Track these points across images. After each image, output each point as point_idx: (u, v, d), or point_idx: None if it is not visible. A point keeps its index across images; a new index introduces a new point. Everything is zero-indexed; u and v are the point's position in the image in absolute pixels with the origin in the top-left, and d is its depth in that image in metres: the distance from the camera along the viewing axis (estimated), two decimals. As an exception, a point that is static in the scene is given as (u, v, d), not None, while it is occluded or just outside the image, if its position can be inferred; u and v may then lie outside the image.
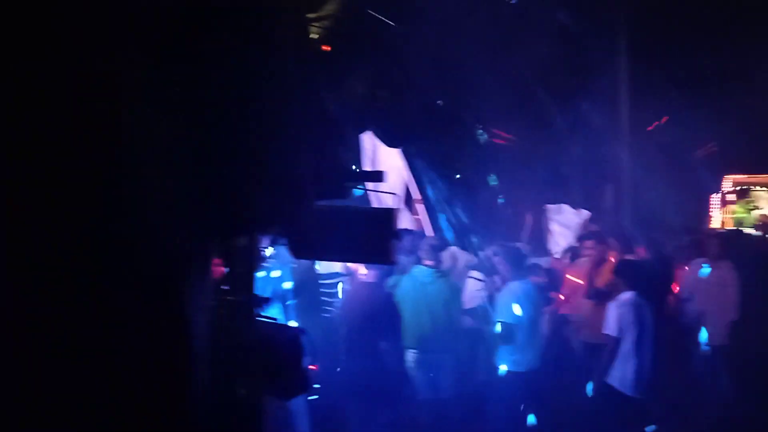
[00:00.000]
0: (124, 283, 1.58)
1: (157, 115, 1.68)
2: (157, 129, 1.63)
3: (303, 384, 2.30)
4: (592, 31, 15.39)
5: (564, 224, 9.15)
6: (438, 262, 5.29)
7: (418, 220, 6.70)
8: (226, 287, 2.26)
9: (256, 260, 2.26)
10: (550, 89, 13.37)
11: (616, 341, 4.85)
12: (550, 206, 8.99)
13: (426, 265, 5.20)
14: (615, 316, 4.88)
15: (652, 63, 17.32)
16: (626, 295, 4.95)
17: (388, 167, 6.42)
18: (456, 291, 5.21)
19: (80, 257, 1.51)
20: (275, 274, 4.20)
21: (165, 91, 1.64)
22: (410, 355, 5.12)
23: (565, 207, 9.46)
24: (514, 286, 5.08)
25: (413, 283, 5.17)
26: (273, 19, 2.03)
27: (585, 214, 9.80)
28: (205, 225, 1.82)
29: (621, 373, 4.85)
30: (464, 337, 5.42)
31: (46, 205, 1.49)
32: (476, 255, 5.73)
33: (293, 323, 4.01)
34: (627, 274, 5.09)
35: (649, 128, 18.75)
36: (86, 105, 1.53)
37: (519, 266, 5.20)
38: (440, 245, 5.54)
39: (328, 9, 2.69)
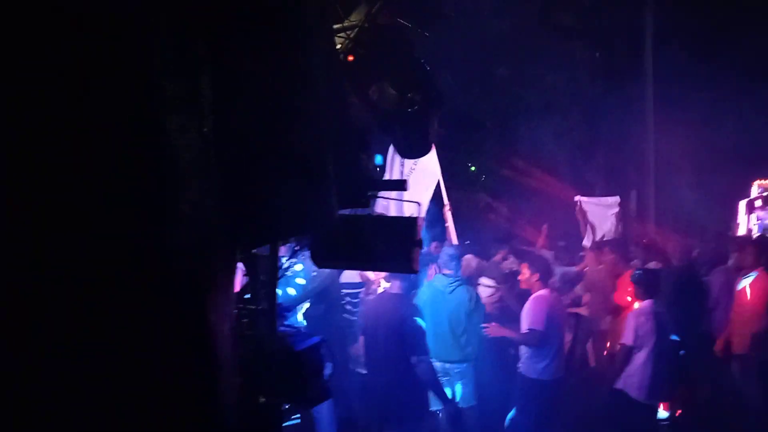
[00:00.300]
0: (150, 290, 1.59)
1: (189, 122, 1.69)
2: (188, 137, 1.64)
3: (324, 393, 2.30)
4: (618, 35, 15.25)
5: (598, 214, 9.10)
6: (457, 270, 5.29)
7: (447, 228, 6.66)
8: (248, 296, 2.27)
9: (278, 269, 2.27)
10: (575, 95, 13.28)
11: (630, 350, 4.90)
12: (583, 198, 8.91)
13: (445, 274, 5.21)
14: (632, 325, 4.91)
15: (679, 66, 17.09)
16: (644, 304, 4.97)
17: (427, 173, 6.44)
18: (476, 299, 5.19)
19: (109, 264, 1.53)
20: (300, 281, 4.21)
21: (197, 99, 1.65)
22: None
23: (597, 198, 9.45)
24: (542, 295, 5.07)
25: (433, 292, 5.17)
26: (301, 29, 2.04)
27: (615, 199, 9.80)
28: (229, 233, 1.83)
29: (638, 381, 4.85)
30: (485, 345, 5.40)
31: (75, 211, 1.50)
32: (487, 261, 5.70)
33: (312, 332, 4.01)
34: (644, 283, 5.10)
35: (676, 133, 18.52)
36: (123, 110, 1.54)
37: (547, 274, 5.19)
38: (459, 253, 5.53)
39: (354, 19, 2.70)
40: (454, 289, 5.11)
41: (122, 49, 1.53)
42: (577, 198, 8.40)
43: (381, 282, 5.13)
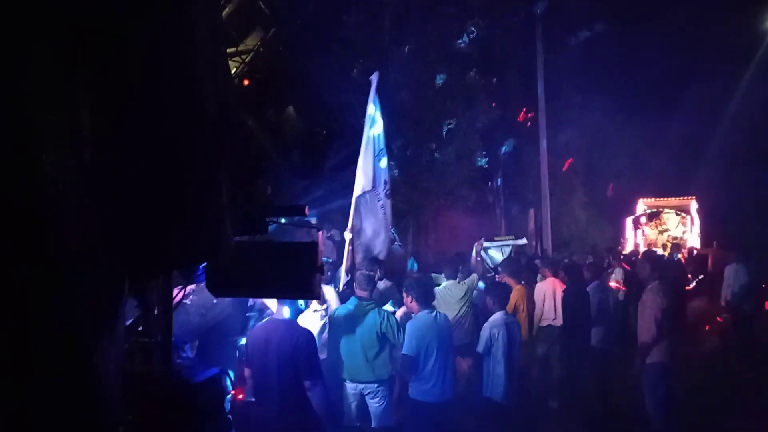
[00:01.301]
0: (24, 324, 1.49)
1: (65, 153, 1.61)
2: (64, 167, 1.56)
3: (225, 427, 2.22)
4: (512, 63, 16.02)
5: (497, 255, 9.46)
6: (371, 293, 5.35)
7: (348, 252, 6.69)
8: (140, 329, 2.17)
9: (171, 300, 2.18)
10: (473, 121, 13.79)
11: (482, 357, 5.47)
12: (485, 243, 9.19)
13: (359, 297, 5.26)
14: (486, 335, 5.45)
15: (568, 94, 18.18)
16: (496, 315, 5.52)
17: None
18: (388, 321, 5.24)
19: None
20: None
21: (76, 129, 1.57)
22: (346, 387, 5.14)
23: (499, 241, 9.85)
24: (420, 317, 5.16)
25: (347, 313, 5.20)
26: (191, 54, 2.00)
27: (522, 241, 10.28)
28: (115, 264, 1.74)
29: (494, 384, 5.34)
30: (394, 367, 5.47)
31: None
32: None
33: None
34: (495, 295, 5.65)
35: (566, 163, 19.62)
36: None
37: (425, 296, 5.29)
38: (373, 276, 5.59)
39: (249, 44, 2.68)
40: (367, 312, 5.15)
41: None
42: (478, 243, 8.61)
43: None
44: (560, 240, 18.30)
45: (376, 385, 5.21)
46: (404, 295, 5.35)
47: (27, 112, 1.48)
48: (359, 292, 5.31)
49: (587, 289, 7.70)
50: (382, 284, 6.49)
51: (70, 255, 1.50)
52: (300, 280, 2.27)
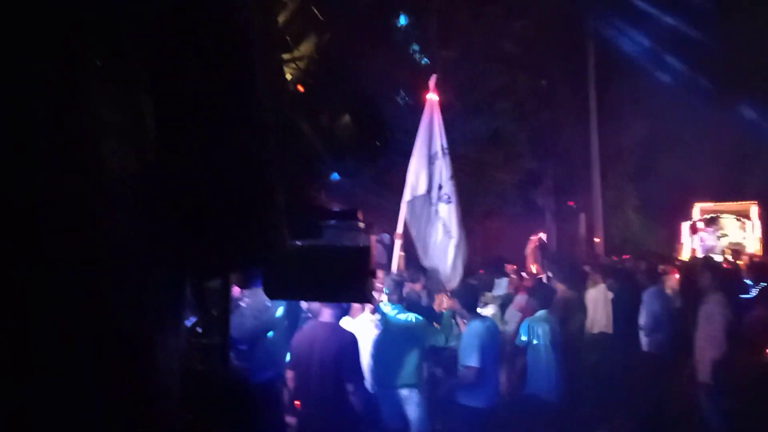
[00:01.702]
0: (90, 329, 1.54)
1: (130, 150, 1.66)
2: (128, 164, 1.61)
3: (280, 428, 2.25)
4: (560, 65, 15.77)
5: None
6: (401, 297, 5.35)
7: (394, 256, 6.70)
8: (199, 330, 2.22)
9: (229, 302, 2.23)
10: (521, 122, 13.62)
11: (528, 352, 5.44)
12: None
13: (391, 301, 5.27)
14: (525, 328, 5.54)
15: (621, 91, 17.75)
16: (539, 312, 5.65)
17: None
18: (424, 326, 5.23)
19: (39, 297, 1.47)
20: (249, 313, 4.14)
21: (140, 129, 1.62)
22: (386, 392, 5.14)
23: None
24: (477, 327, 5.12)
25: (380, 318, 5.22)
26: (248, 61, 2.04)
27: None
28: (174, 266, 1.79)
29: (536, 380, 5.40)
30: (433, 371, 5.45)
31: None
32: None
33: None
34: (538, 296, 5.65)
35: (620, 159, 19.12)
36: (59, 137, 1.50)
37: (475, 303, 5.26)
38: (402, 281, 5.59)
39: (303, 50, 2.72)
40: (399, 316, 5.15)
41: (58, 72, 1.49)
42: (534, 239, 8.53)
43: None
44: (612, 245, 17.88)
45: (413, 390, 5.18)
46: (450, 300, 5.32)
47: (93, 113, 1.54)
48: (390, 297, 5.31)
49: (645, 294, 7.51)
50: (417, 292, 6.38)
51: (132, 254, 1.54)
52: (353, 285, 2.28)
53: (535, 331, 5.32)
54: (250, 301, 3.78)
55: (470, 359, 4.93)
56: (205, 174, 1.74)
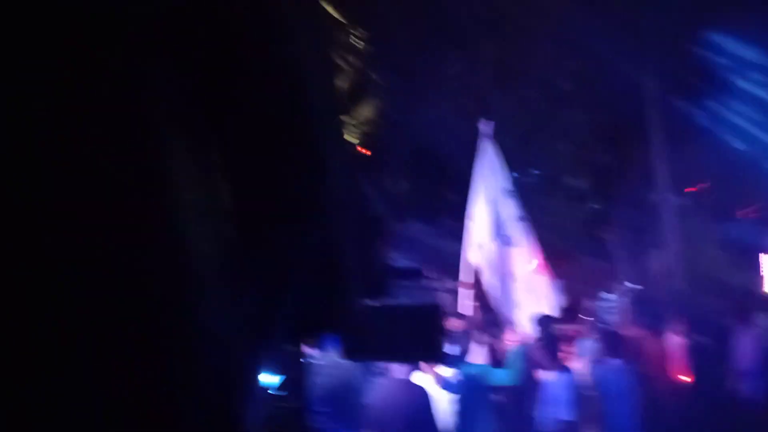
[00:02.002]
0: (177, 394, 1.59)
1: (210, 226, 1.73)
2: (209, 240, 1.68)
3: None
4: (623, 101, 15.53)
5: None
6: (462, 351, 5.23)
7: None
8: (278, 393, 2.26)
9: (305, 365, 2.27)
10: (585, 157, 13.41)
11: None
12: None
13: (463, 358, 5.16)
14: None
15: (688, 124, 17.25)
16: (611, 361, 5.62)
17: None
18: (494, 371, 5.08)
19: (122, 354, 1.52)
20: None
21: (217, 205, 1.70)
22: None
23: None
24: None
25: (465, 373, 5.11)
26: (315, 125, 2.12)
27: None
28: (255, 333, 1.84)
29: None
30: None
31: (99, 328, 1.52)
32: None
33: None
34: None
35: (691, 189, 18.45)
36: (141, 221, 1.58)
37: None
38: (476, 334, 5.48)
39: (364, 113, 2.82)
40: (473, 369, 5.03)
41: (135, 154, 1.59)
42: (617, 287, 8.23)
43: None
44: (689, 282, 17.11)
45: None
46: (516, 336, 5.17)
47: (179, 191, 1.62)
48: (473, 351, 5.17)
49: (739, 335, 7.10)
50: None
51: (213, 322, 1.60)
52: (425, 344, 2.28)
53: (608, 379, 5.09)
54: (323, 360, 3.82)
55: (565, 412, 4.76)
56: (277, 241, 1.81)
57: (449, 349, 3.17)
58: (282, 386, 2.20)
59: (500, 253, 6.64)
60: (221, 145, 1.86)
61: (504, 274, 6.57)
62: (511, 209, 6.74)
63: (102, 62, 1.58)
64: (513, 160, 11.76)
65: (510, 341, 5.54)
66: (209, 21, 1.85)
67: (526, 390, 5.32)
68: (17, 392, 1.42)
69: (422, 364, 3.88)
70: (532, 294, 6.59)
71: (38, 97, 1.53)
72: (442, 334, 2.32)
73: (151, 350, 1.57)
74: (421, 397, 4.04)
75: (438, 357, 2.26)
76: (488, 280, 6.58)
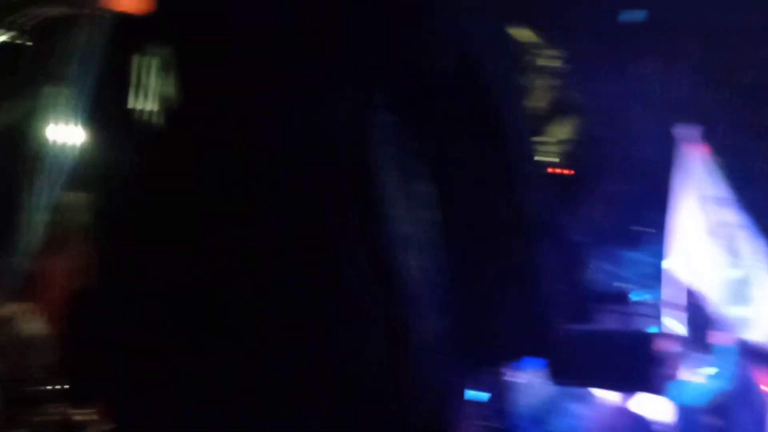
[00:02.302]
0: (387, 405, 1.66)
1: (423, 259, 1.80)
2: (424, 270, 1.76)
3: None
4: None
5: None
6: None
7: None
8: (485, 412, 2.30)
9: (508, 386, 2.29)
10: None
11: None
12: None
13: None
14: None
15: None
16: None
17: None
18: None
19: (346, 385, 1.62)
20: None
21: (430, 241, 1.76)
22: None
23: None
24: None
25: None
26: (515, 148, 2.14)
27: None
28: (466, 350, 1.88)
29: None
30: None
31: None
32: None
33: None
34: None
35: None
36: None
37: None
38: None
39: (565, 133, 2.77)
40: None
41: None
42: None
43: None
44: None
45: None
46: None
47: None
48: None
49: None
50: None
51: (431, 344, 1.67)
52: (638, 371, 2.18)
53: None
54: (529, 382, 3.77)
55: None
56: (489, 269, 1.85)
57: (664, 374, 2.90)
58: (488, 405, 2.24)
59: (716, 267, 5.98)
60: (428, 169, 1.94)
61: (719, 288, 5.93)
62: (724, 217, 6.05)
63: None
64: (721, 167, 10.59)
65: (729, 357, 4.95)
66: (416, 55, 1.96)
67: (753, 412, 4.73)
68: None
69: (636, 391, 3.62)
70: (754, 306, 5.87)
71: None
72: (655, 359, 2.20)
73: (367, 363, 1.68)
74: (637, 425, 3.79)
75: (652, 384, 2.14)
76: (701, 297, 5.98)
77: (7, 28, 2.91)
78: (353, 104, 1.73)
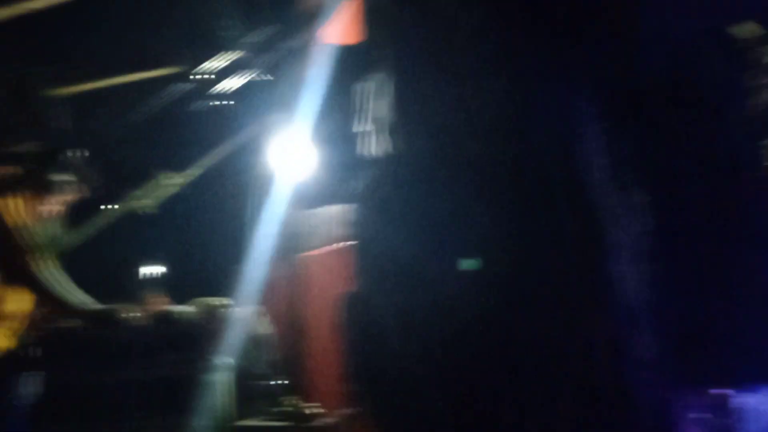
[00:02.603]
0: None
1: (632, 268, 1.77)
2: (635, 283, 1.74)
3: None
4: None
5: None
6: None
7: None
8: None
9: (738, 411, 2.12)
10: None
11: None
12: None
13: None
14: None
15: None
16: None
17: None
18: None
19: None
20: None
21: (641, 249, 1.73)
22: None
23: None
24: None
25: None
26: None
27: None
28: (684, 375, 1.82)
29: None
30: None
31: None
32: None
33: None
34: None
35: None
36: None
37: None
38: None
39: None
40: None
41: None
42: None
43: None
44: None
45: None
46: None
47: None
48: None
49: None
50: None
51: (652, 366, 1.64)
52: None
53: None
54: (755, 406, 3.40)
55: None
56: (713, 284, 1.75)
57: None
58: (709, 426, 2.10)
59: None
60: (650, 178, 1.88)
61: None
62: None
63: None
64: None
65: None
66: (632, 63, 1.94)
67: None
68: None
69: None
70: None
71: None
72: None
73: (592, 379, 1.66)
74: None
75: None
76: None
77: (251, 67, 3.45)
78: (579, 115, 1.76)
